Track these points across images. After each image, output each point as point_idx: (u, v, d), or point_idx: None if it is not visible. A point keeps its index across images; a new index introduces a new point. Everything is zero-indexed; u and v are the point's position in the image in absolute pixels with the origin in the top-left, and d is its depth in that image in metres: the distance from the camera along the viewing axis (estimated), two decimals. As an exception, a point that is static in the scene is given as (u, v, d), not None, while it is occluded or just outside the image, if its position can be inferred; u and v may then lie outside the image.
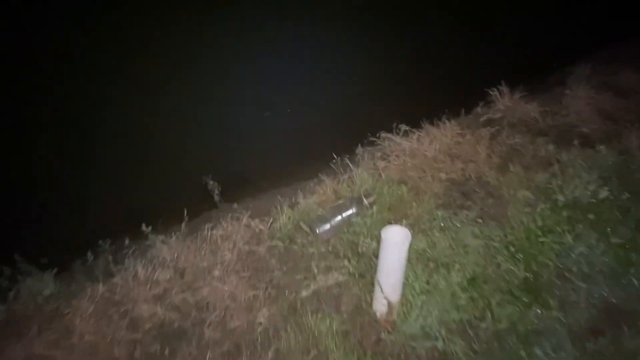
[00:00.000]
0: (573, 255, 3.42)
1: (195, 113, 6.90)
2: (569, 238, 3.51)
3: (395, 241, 2.89)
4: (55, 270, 4.12)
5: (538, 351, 2.93)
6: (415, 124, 4.91)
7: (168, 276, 3.65)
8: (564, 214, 3.72)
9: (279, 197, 4.23)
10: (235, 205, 4.24)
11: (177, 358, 3.15)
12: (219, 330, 3.28)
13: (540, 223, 3.63)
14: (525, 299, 3.18)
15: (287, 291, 3.43)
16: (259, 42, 7.56)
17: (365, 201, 3.82)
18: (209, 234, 3.96)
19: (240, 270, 3.65)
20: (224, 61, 7.24)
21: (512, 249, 3.49)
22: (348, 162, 4.50)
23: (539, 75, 5.99)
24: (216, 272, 3.63)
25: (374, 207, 3.84)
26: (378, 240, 3.60)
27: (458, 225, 3.71)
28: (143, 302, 3.49)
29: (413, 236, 3.03)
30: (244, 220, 4.03)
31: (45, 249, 4.45)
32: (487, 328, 3.04)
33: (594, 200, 3.79)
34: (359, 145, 4.72)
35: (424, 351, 2.94)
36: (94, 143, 5.70)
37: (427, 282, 3.25)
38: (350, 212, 3.81)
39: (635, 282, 3.28)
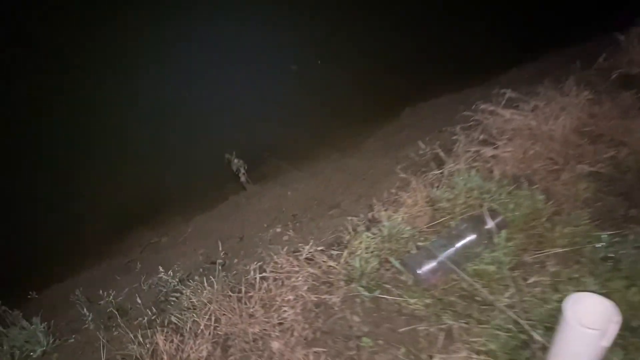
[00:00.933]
0: None
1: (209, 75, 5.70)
2: None
3: (592, 329, 1.67)
4: (44, 325, 3.12)
5: None
6: (521, 87, 3.54)
7: (204, 352, 2.47)
8: None
9: (350, 219, 2.93)
10: (287, 234, 2.99)
11: None
12: None
13: None
14: None
15: (389, 382, 2.23)
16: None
17: (490, 223, 2.53)
18: (256, 277, 2.73)
19: (310, 339, 2.45)
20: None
21: None
22: (438, 149, 3.20)
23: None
24: (275, 344, 2.43)
25: (503, 232, 2.55)
26: (518, 286, 2.39)
27: (636, 254, 2.43)
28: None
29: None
30: (305, 253, 2.79)
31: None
32: None
33: None
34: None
35: None
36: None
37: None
38: (465, 240, 2.54)
39: None
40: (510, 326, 2.22)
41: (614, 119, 3.11)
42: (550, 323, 2.10)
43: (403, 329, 2.39)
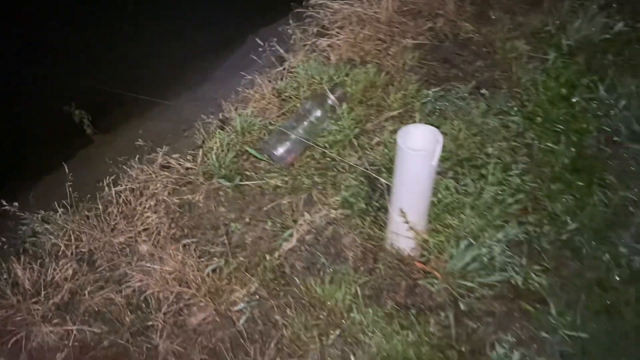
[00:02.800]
0: (615, 111, 2.62)
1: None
2: (601, 90, 2.69)
3: (420, 151, 1.86)
4: None
5: (622, 248, 2.16)
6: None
7: (70, 271, 2.37)
8: (580, 59, 2.88)
9: (200, 122, 2.95)
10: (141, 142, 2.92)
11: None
12: (177, 335, 2.15)
13: (560, 79, 2.77)
14: (580, 183, 2.36)
15: (260, 252, 2.33)
16: None
17: (332, 98, 2.68)
18: (112, 192, 2.65)
19: (180, 236, 2.46)
20: None
21: (538, 119, 2.62)
22: (277, 46, 3.27)
23: None
24: (144, 247, 2.41)
25: (344, 105, 2.72)
26: (363, 148, 2.59)
27: (460, 103, 2.74)
28: (44, 322, 2.24)
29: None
30: (160, 160, 2.76)
31: None
32: (551, 236, 2.20)
33: (608, 36, 2.98)
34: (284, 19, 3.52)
35: (487, 290, 2.05)
36: None
37: (459, 191, 2.30)
38: (312, 117, 2.67)
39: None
40: (361, 178, 2.42)
41: (428, -4, 3.41)
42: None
43: (267, 207, 2.49)
